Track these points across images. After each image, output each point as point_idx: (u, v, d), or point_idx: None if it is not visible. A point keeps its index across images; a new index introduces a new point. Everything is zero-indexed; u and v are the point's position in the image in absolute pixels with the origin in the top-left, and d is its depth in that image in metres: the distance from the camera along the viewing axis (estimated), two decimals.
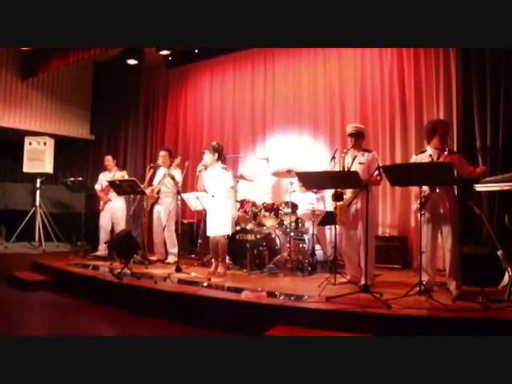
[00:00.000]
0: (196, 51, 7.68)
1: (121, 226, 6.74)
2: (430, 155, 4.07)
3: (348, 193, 4.38)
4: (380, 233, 6.11)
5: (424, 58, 5.93)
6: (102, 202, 6.85)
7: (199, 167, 5.19)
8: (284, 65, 7.22)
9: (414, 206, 4.02)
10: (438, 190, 3.88)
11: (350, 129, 4.58)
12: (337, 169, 4.56)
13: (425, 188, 3.92)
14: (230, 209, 5.12)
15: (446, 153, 3.96)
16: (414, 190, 4.05)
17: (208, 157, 5.18)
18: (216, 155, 5.19)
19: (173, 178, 6.03)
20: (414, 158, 4.24)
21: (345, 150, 4.56)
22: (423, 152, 4.20)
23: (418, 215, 4.00)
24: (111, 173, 6.86)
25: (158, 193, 6.29)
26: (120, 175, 6.65)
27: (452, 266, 3.93)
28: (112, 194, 6.63)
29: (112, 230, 6.78)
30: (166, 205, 6.24)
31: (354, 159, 4.46)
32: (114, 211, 6.80)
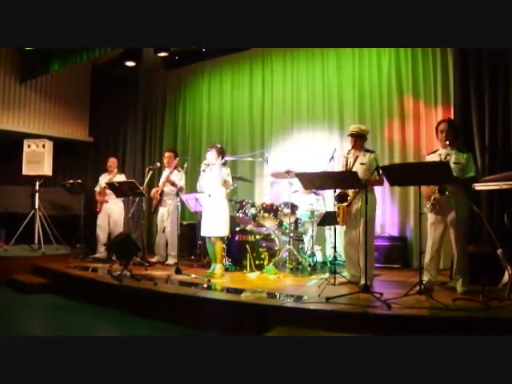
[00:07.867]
0: (194, 53, 7.67)
1: (118, 227, 6.72)
2: (440, 155, 4.09)
3: (350, 193, 4.38)
4: (380, 233, 6.11)
5: (422, 58, 5.93)
6: (99, 204, 6.83)
7: (202, 166, 5.18)
8: (282, 65, 7.21)
9: (427, 205, 4.00)
10: (447, 193, 3.83)
11: (352, 129, 4.58)
12: (336, 169, 4.54)
13: (432, 187, 3.93)
14: (226, 209, 5.11)
15: (454, 154, 3.96)
16: (424, 189, 3.99)
17: (212, 155, 5.18)
18: (219, 156, 5.18)
19: (173, 184, 5.99)
20: (426, 158, 4.33)
21: (347, 151, 4.55)
22: (434, 152, 4.22)
23: (424, 215, 3.99)
24: (110, 175, 6.83)
25: (162, 194, 6.27)
26: (118, 178, 6.64)
27: (460, 263, 3.98)
28: (110, 196, 6.61)
29: (110, 232, 6.75)
30: (169, 206, 6.24)
31: (355, 160, 4.45)
32: (111, 213, 6.76)
